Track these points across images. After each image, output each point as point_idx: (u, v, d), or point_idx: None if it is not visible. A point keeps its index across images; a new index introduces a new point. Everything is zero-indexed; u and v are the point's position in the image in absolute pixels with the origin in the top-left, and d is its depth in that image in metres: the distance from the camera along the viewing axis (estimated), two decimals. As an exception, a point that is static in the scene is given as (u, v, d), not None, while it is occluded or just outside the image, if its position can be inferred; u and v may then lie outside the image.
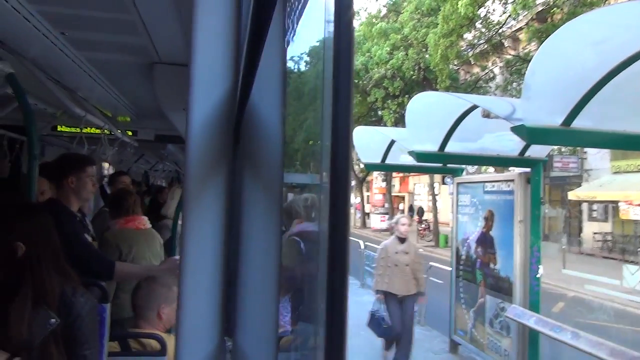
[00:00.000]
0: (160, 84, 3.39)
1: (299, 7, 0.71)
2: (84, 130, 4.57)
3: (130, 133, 5.73)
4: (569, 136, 3.89)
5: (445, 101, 5.78)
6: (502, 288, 5.90)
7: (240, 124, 1.19)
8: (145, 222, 3.63)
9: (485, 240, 6.31)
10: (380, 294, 6.28)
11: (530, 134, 3.77)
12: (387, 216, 30.78)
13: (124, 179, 4.81)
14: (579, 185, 21.31)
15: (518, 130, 3.74)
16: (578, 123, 3.83)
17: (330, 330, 0.46)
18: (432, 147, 5.79)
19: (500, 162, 7.65)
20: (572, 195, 20.45)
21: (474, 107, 5.18)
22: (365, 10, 25.59)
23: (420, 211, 36.87)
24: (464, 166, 7.58)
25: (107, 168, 8.56)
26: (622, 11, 3.65)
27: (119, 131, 5.12)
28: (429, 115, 5.76)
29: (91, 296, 1.87)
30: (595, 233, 20.76)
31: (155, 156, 10.03)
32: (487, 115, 4.99)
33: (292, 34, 0.87)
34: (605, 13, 3.64)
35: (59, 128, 4.90)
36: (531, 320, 5.14)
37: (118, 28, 2.66)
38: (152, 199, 7.02)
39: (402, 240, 6.24)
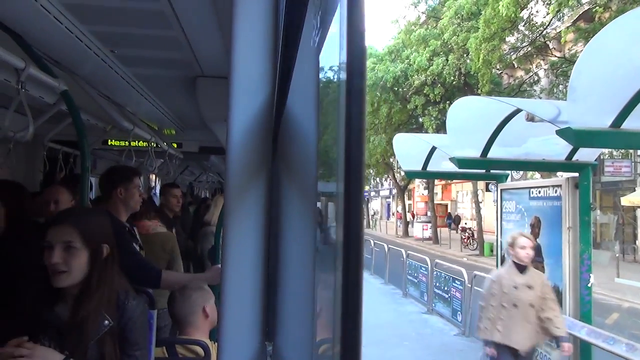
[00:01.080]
0: (203, 96, 3.51)
1: (328, 19, 0.74)
2: (132, 144, 4.76)
3: (175, 145, 5.92)
4: (619, 138, 3.74)
5: (487, 106, 5.66)
6: (551, 297, 5.69)
7: (278, 133, 1.22)
8: (150, 227, 3.77)
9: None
10: (490, 346, 4.47)
11: (578, 137, 3.64)
12: (429, 225, 30.29)
13: (176, 191, 4.96)
14: (633, 190, 20.32)
15: (564, 133, 3.63)
16: (629, 124, 3.68)
17: (345, 338, 0.48)
18: (474, 153, 5.68)
19: (547, 167, 7.41)
20: (625, 200, 19.52)
21: (517, 111, 5.05)
22: (404, 18, 25.48)
23: (457, 219, 36.21)
24: (508, 172, 7.39)
25: (155, 180, 8.85)
26: (674, 7, 3.50)
27: (165, 143, 5.30)
28: (470, 120, 5.66)
29: (142, 300, 1.94)
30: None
31: (199, 167, 10.30)
32: (531, 119, 4.84)
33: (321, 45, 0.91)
34: (654, 10, 3.50)
35: (109, 142, 5.12)
36: (583, 331, 4.94)
37: (163, 44, 2.77)
38: (197, 209, 7.21)
39: (521, 268, 4.48)
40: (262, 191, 1.16)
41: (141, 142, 4.95)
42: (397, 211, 48.62)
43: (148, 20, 2.41)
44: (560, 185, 5.58)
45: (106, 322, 1.71)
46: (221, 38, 2.52)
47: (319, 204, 1.17)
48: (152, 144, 4.88)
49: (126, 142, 4.74)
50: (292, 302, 1.22)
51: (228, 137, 1.12)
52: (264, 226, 1.16)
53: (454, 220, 35.14)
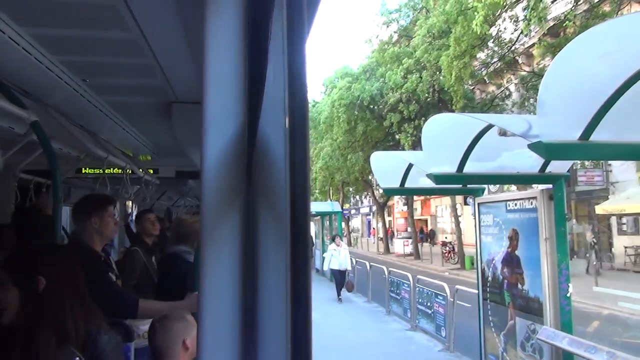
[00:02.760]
0: (178, 122, 3.49)
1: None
2: (107, 171, 4.70)
3: (151, 171, 5.86)
4: (588, 150, 3.84)
5: (460, 122, 5.77)
6: (531, 309, 5.74)
7: (252, 158, 1.22)
8: None
9: (511, 261, 6.19)
10: None
11: (548, 150, 3.73)
12: (410, 240, 30.42)
13: (150, 216, 4.90)
14: (606, 198, 20.83)
15: (535, 147, 3.71)
16: (596, 136, 3.78)
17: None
18: (450, 168, 5.76)
19: (521, 180, 7.55)
20: (600, 209, 19.98)
21: (490, 126, 5.16)
22: (377, 37, 25.95)
23: (432, 234, 36.52)
24: (484, 186, 7.51)
25: (131, 207, 8.72)
26: (632, 22, 3.64)
27: (141, 170, 5.24)
28: (445, 136, 5.75)
29: (115, 334, 1.90)
30: (626, 247, 20.15)
31: (177, 192, 10.19)
32: (504, 133, 4.96)
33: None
34: (615, 24, 3.64)
35: (83, 170, 5.04)
36: (564, 341, 4.98)
37: (136, 72, 2.77)
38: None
39: None
40: (237, 216, 1.16)
41: (116, 169, 4.89)
42: (373, 228, 48.86)
43: (120, 49, 2.41)
44: (535, 197, 5.68)
45: (77, 358, 1.66)
46: (194, 64, 2.53)
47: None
48: (128, 170, 4.83)
49: (101, 170, 4.68)
50: (270, 330, 1.20)
51: (202, 162, 1.12)
52: (240, 251, 1.15)
53: (427, 235, 35.43)
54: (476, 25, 14.89)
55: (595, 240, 19.19)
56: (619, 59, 3.50)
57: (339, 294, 13.83)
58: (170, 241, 4.23)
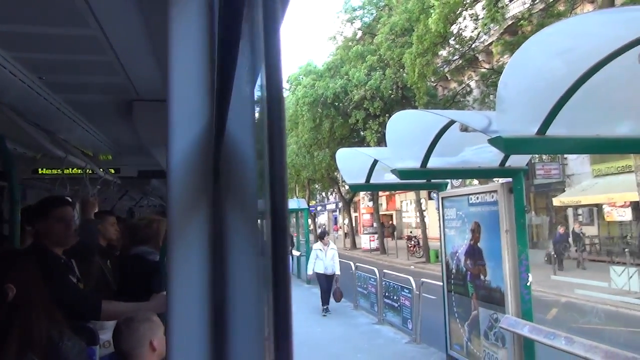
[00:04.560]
0: (141, 120, 3.42)
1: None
2: (66, 172, 4.55)
3: (112, 171, 5.72)
4: (544, 144, 3.99)
5: (423, 118, 5.89)
6: (494, 299, 5.92)
7: (219, 156, 1.22)
8: None
9: (473, 253, 6.36)
10: None
11: (507, 145, 3.86)
12: (375, 236, 30.76)
13: (111, 219, 4.73)
14: (563, 191, 21.61)
15: (495, 142, 3.83)
16: (552, 131, 3.92)
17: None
18: (414, 164, 5.87)
19: (482, 174, 7.76)
20: (557, 201, 20.73)
21: (452, 122, 5.29)
22: (342, 35, 26.06)
23: (392, 228, 37.19)
24: (448, 181, 7.67)
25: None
26: (585, 21, 3.80)
27: (102, 170, 5.11)
28: (408, 133, 5.86)
29: (78, 340, 1.86)
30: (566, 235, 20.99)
31: (139, 192, 9.97)
32: (465, 129, 5.09)
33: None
34: (569, 24, 3.79)
35: (40, 171, 4.87)
36: (525, 329, 5.17)
37: (95, 69, 2.69)
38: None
39: None
40: (205, 214, 1.16)
41: (75, 169, 4.74)
42: (335, 224, 49.25)
43: (78, 46, 2.34)
44: (496, 191, 5.85)
45: None
46: (156, 61, 2.48)
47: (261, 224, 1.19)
48: (88, 170, 4.69)
49: (59, 170, 4.53)
50: (242, 327, 1.21)
51: (168, 161, 1.11)
52: (208, 249, 1.15)
53: (388, 229, 36.08)
54: (432, 23, 15.18)
55: (583, 232, 19.65)
56: (573, 57, 3.65)
57: (324, 303, 11.53)
58: (128, 243, 4.12)
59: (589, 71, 3.60)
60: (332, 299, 11.52)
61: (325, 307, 11.47)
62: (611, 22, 3.44)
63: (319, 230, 48.45)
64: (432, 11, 15.77)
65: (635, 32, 3.06)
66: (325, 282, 11.49)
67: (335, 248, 12.03)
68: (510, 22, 17.72)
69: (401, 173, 5.82)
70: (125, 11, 1.94)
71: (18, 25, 2.12)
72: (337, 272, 11.58)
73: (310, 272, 12.10)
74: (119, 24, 2.09)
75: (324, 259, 11.52)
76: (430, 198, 27.12)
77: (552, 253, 17.66)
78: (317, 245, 12.01)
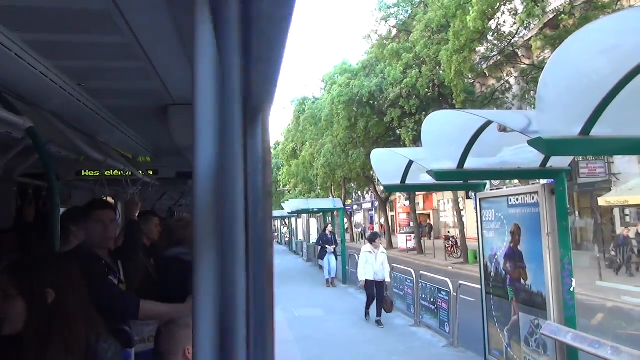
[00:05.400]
0: (176, 124, 3.48)
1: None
2: (107, 173, 4.69)
3: (151, 172, 5.85)
4: (588, 145, 3.82)
5: (459, 118, 5.75)
6: (535, 304, 5.73)
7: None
8: None
9: (513, 255, 6.17)
10: None
11: (548, 146, 3.71)
12: (412, 235, 30.42)
13: (154, 220, 4.81)
14: (609, 190, 20.76)
15: (535, 143, 3.69)
16: (597, 131, 3.76)
17: None
18: (451, 164, 5.74)
19: (522, 175, 7.53)
20: (602, 201, 19.93)
21: (489, 123, 5.14)
22: (376, 33, 25.86)
23: (429, 228, 36.66)
24: (486, 181, 7.49)
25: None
26: (630, 17, 3.61)
27: (140, 172, 5.23)
28: (444, 133, 5.73)
29: (115, 342, 1.89)
30: (631, 238, 20.10)
31: (178, 192, 10.19)
32: (503, 129, 4.94)
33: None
34: (613, 20, 3.61)
35: (82, 173, 5.03)
36: (568, 336, 4.97)
37: (132, 75, 2.75)
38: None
39: None
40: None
41: (116, 171, 4.88)
42: (370, 224, 49.00)
43: (114, 53, 2.39)
44: (537, 192, 5.66)
45: None
46: (189, 66, 2.51)
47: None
48: (127, 172, 4.82)
49: (99, 172, 4.67)
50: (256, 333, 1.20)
51: (194, 165, 1.12)
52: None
53: (425, 229, 35.59)
54: (470, 20, 14.86)
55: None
56: (618, 55, 3.47)
57: (367, 311, 10.63)
58: (165, 244, 4.20)
59: (636, 69, 3.42)
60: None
61: (376, 319, 10.20)
62: (661, 16, 3.26)
63: (355, 230, 48.45)
64: (469, 7, 15.43)
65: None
66: (374, 290, 10.32)
67: (385, 252, 10.87)
68: (551, 16, 17.14)
69: (437, 174, 5.71)
70: (158, 19, 1.96)
71: (57, 35, 2.19)
72: (388, 279, 10.51)
73: (362, 278, 10.47)
74: (152, 32, 2.12)
75: (373, 263, 10.34)
76: (468, 197, 26.56)
77: (615, 257, 16.90)
78: (367, 248, 10.66)
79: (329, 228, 18.07)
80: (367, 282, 10.31)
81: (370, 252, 10.44)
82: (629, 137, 3.88)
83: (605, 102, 3.61)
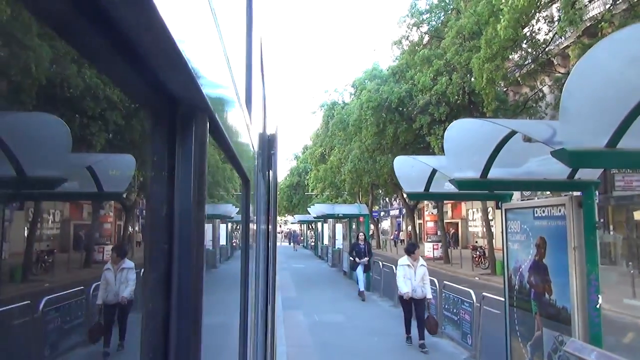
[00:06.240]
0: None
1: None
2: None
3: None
4: (615, 158, 3.69)
5: (483, 127, 5.64)
6: (559, 319, 5.56)
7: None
8: None
9: (538, 269, 6.01)
10: None
11: (572, 158, 3.60)
12: (439, 244, 30.00)
13: None
14: (646, 204, 20.03)
15: (559, 154, 3.58)
16: (625, 143, 3.63)
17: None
18: (474, 173, 5.64)
19: (547, 187, 7.34)
20: (638, 215, 19.22)
21: (514, 132, 5.03)
22: (407, 39, 25.70)
23: (454, 237, 36.09)
24: (512, 192, 7.32)
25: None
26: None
27: None
28: (467, 142, 5.64)
29: None
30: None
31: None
32: (529, 139, 4.82)
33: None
34: (643, 28, 3.48)
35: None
36: (592, 355, 4.79)
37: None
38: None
39: None
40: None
41: None
42: (395, 230, 48.58)
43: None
44: (564, 205, 5.50)
45: None
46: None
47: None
48: None
49: None
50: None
51: None
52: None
53: (451, 238, 35.07)
54: (501, 29, 14.59)
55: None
56: (649, 63, 3.35)
57: (408, 331, 9.26)
58: None
59: (668, 79, 3.29)
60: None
61: (419, 342, 8.87)
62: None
63: (383, 237, 48.07)
64: (501, 15, 15.16)
65: None
66: (413, 308, 9.16)
67: (426, 265, 9.51)
68: (588, 24, 16.68)
69: (459, 183, 5.62)
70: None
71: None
72: (429, 295, 9.17)
73: (405, 289, 9.06)
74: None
75: (412, 277, 9.08)
76: (497, 207, 26.01)
77: (632, 271, 16.29)
78: (404, 260, 9.36)
79: (362, 237, 16.31)
80: (404, 299, 9.12)
81: (408, 265, 9.19)
82: (659, 150, 3.73)
83: (634, 114, 3.48)
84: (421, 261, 9.32)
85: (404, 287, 9.05)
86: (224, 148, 1.27)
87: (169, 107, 0.81)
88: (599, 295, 5.22)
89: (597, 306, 5.18)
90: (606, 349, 5.00)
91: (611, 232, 21.39)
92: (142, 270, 0.82)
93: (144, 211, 0.86)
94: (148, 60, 0.66)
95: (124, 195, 0.78)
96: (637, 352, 7.20)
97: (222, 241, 2.15)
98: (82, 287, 0.67)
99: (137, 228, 0.84)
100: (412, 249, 9.48)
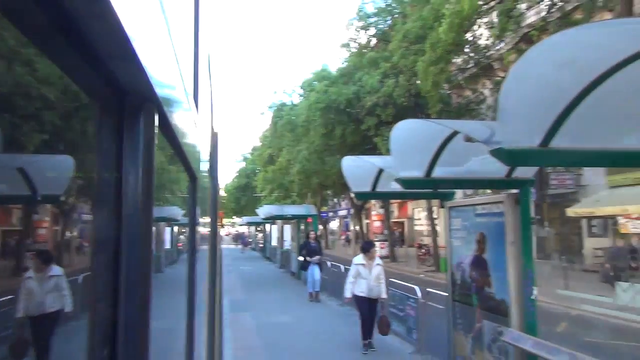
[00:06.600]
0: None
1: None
2: None
3: None
4: (548, 156, 3.92)
5: (427, 128, 5.83)
6: (498, 311, 5.83)
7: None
8: None
9: (479, 264, 6.27)
10: None
11: (509, 157, 3.80)
12: (386, 243, 30.61)
13: None
14: (578, 201, 21.29)
15: (497, 153, 3.77)
16: (557, 143, 3.86)
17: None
18: (419, 173, 5.82)
19: (487, 185, 7.67)
20: (571, 212, 20.41)
21: (455, 133, 5.23)
22: (355, 41, 26.08)
23: (400, 236, 37.23)
24: (454, 190, 7.60)
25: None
26: (590, 32, 3.73)
27: None
28: (412, 142, 5.81)
29: None
30: (595, 249, 20.64)
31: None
32: (469, 139, 5.03)
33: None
34: (572, 34, 3.72)
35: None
36: (528, 343, 5.06)
37: None
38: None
39: None
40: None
41: None
42: (343, 230, 49.25)
43: None
44: (502, 202, 5.77)
45: None
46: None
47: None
48: None
49: None
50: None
51: None
52: None
53: (398, 237, 36.05)
54: (442, 32, 15.15)
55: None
56: (578, 67, 3.58)
57: (365, 337, 8.80)
58: None
59: (594, 82, 3.54)
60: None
61: (367, 341, 8.77)
62: (616, 33, 3.38)
63: (331, 238, 48.50)
64: (444, 20, 15.72)
65: (640, 43, 3.00)
66: (368, 308, 8.82)
67: (382, 263, 9.21)
68: (527, 30, 17.56)
69: (404, 182, 5.78)
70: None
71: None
72: (384, 295, 8.89)
73: (349, 294, 8.96)
74: None
75: (367, 277, 8.76)
76: (442, 206, 26.85)
77: (563, 265, 17.24)
78: (359, 259, 9.01)
79: (312, 235, 16.27)
80: (359, 299, 8.82)
81: (363, 264, 8.88)
82: (587, 149, 4.00)
83: (564, 114, 3.71)
84: (377, 260, 9.06)
85: (348, 290, 8.92)
86: (172, 143, 1.26)
87: (116, 98, 0.80)
88: (534, 287, 5.51)
89: (533, 297, 5.47)
90: (541, 337, 5.29)
91: (545, 228, 22.59)
92: (82, 276, 0.78)
93: (87, 212, 0.83)
94: (96, 48, 0.65)
95: (62, 198, 0.72)
96: (569, 340, 7.66)
97: (168, 244, 2.09)
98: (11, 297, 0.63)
99: (75, 232, 0.78)
100: (368, 248, 9.15)
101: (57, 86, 0.65)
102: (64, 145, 0.73)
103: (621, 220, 19.23)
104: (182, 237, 2.59)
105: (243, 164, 63.02)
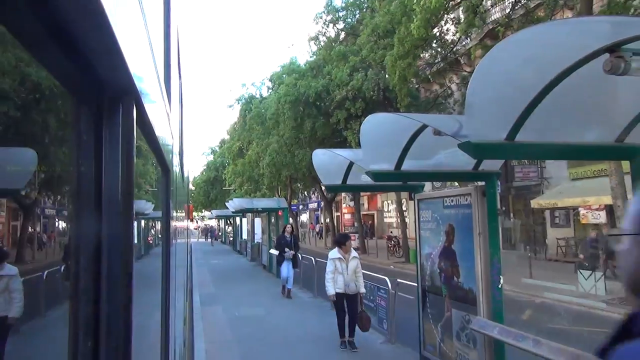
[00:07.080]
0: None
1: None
2: None
3: None
4: (513, 150, 4.05)
5: (396, 121, 5.92)
6: (466, 300, 5.99)
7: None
8: None
9: (447, 254, 6.42)
10: None
11: (476, 150, 3.91)
12: (356, 235, 30.88)
13: None
14: (541, 193, 21.96)
15: (464, 146, 3.87)
16: (521, 137, 3.99)
17: None
18: (389, 166, 5.90)
19: (455, 177, 7.84)
20: (535, 203, 21.05)
21: (425, 127, 5.33)
22: (324, 35, 26.07)
23: (371, 228, 37.76)
24: (424, 183, 7.73)
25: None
26: (551, 30, 3.86)
27: None
28: (382, 135, 5.89)
29: None
30: (558, 239, 21.36)
31: None
32: (438, 133, 5.14)
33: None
34: (535, 32, 3.84)
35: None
36: (495, 330, 5.23)
37: None
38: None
39: None
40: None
41: None
42: (311, 223, 49.42)
43: None
44: (470, 194, 5.92)
45: None
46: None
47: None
48: None
49: None
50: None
51: None
52: None
53: (368, 229, 36.44)
54: (414, 28, 15.32)
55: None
56: (540, 64, 3.71)
57: (344, 334, 8.41)
58: None
59: (556, 79, 3.66)
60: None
61: (348, 339, 8.38)
62: (577, 31, 3.50)
63: (302, 230, 48.56)
64: (413, 15, 15.89)
65: (600, 41, 3.11)
66: (346, 305, 8.38)
67: (359, 257, 8.73)
68: (492, 26, 17.95)
69: (375, 175, 5.85)
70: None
71: None
72: (362, 289, 8.51)
73: (332, 291, 8.31)
74: None
75: (344, 272, 8.27)
76: (411, 199, 27.25)
77: (529, 254, 17.78)
78: (335, 253, 8.46)
79: (288, 229, 15.20)
80: (335, 295, 8.32)
81: (340, 258, 8.33)
82: (550, 143, 4.15)
83: (528, 110, 3.84)
84: (353, 253, 8.57)
85: (330, 287, 8.32)
86: (148, 136, 1.25)
87: (95, 91, 0.79)
88: (501, 277, 5.69)
89: (499, 286, 5.65)
90: (507, 324, 5.47)
91: (511, 219, 23.24)
92: (46, 272, 0.75)
93: (58, 207, 0.82)
94: (77, 40, 0.64)
95: (23, 192, 0.68)
96: (533, 326, 7.93)
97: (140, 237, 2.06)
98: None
99: (38, 228, 0.73)
100: (343, 240, 8.63)
101: (33, 79, 0.63)
102: (30, 138, 0.69)
103: (582, 211, 19.94)
104: (152, 231, 2.57)
105: (211, 157, 62.33)
